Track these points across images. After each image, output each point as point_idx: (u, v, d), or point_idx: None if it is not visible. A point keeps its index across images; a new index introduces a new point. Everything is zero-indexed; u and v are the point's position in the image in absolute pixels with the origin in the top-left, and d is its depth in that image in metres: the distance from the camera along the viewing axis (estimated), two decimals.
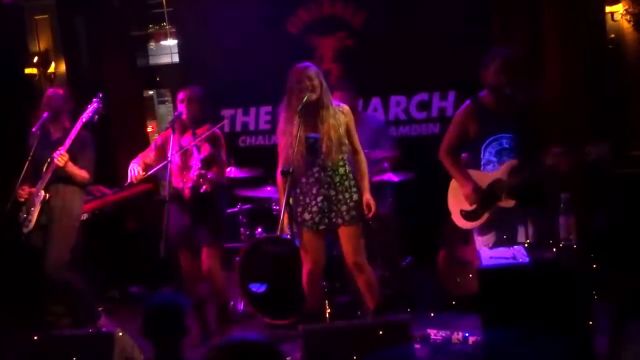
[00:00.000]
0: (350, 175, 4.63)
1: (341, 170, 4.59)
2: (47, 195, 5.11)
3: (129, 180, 4.94)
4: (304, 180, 4.60)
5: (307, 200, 4.61)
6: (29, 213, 5.16)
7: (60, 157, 4.97)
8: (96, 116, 5.10)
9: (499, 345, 2.22)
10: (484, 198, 4.56)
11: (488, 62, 4.55)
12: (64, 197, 5.20)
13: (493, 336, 2.44)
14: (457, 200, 4.71)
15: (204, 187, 4.84)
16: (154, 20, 8.23)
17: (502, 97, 4.54)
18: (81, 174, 5.15)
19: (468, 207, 4.65)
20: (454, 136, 4.71)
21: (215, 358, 2.16)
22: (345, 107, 4.68)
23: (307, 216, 4.61)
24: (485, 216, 4.58)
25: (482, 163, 4.61)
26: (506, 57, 4.55)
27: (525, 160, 4.48)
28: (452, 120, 4.78)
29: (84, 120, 5.06)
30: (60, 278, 5.14)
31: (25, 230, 5.17)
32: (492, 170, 4.58)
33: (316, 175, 4.58)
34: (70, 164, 5.05)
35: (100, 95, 5.16)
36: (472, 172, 4.64)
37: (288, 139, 4.53)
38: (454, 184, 4.75)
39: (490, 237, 4.59)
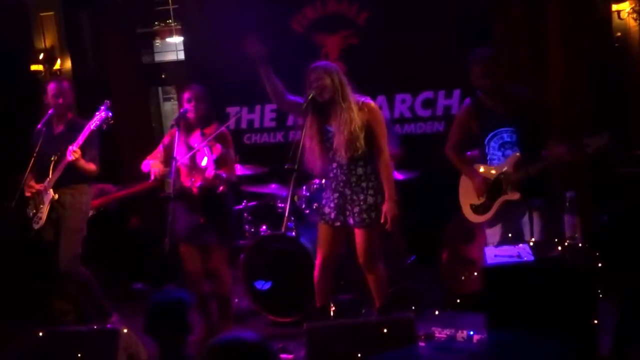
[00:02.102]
0: (372, 177, 4.51)
1: (360, 170, 4.51)
2: (56, 195, 5.17)
3: (152, 178, 4.93)
4: (330, 175, 4.62)
5: (329, 194, 4.64)
6: (38, 210, 5.22)
7: (74, 153, 5.02)
8: (104, 125, 5.11)
9: (503, 347, 2.21)
10: (491, 191, 4.65)
11: (470, 67, 4.64)
12: (73, 192, 5.26)
13: (497, 338, 2.43)
14: (467, 195, 4.81)
15: (221, 187, 4.91)
16: (159, 18, 8.23)
17: (495, 96, 4.62)
18: (89, 167, 5.20)
19: (477, 201, 4.74)
20: (457, 133, 4.83)
21: (207, 357, 2.17)
22: (370, 105, 4.52)
23: (326, 210, 4.64)
24: (493, 210, 4.66)
25: (487, 158, 4.70)
26: (484, 58, 4.63)
27: (527, 153, 4.53)
28: (455, 118, 4.90)
29: (92, 127, 5.07)
30: (73, 272, 5.23)
31: (35, 226, 5.25)
32: (497, 164, 4.65)
33: (334, 171, 4.57)
34: (81, 159, 5.09)
35: (108, 102, 5.14)
36: (480, 167, 4.74)
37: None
38: (464, 180, 4.84)
39: (496, 230, 4.68)
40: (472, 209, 4.79)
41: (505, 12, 6.22)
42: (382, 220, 4.48)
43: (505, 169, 4.59)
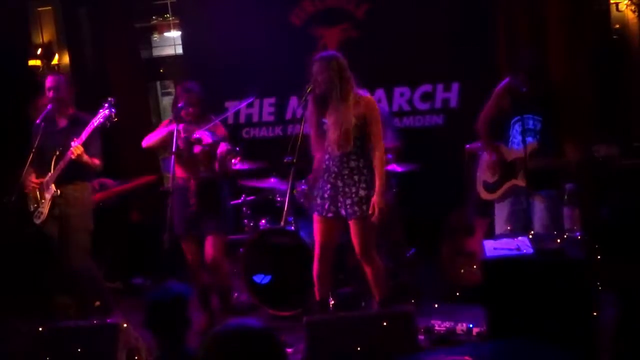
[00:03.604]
0: (365, 170, 4.53)
1: (352, 163, 4.53)
2: (59, 191, 5.14)
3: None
4: (323, 165, 4.64)
5: (321, 185, 4.66)
6: (39, 205, 5.20)
7: (76, 149, 5.00)
8: (108, 123, 5.09)
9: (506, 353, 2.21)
10: (505, 172, 4.81)
11: (516, 71, 4.76)
12: (75, 187, 5.24)
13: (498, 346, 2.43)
14: (484, 172, 4.98)
15: (236, 159, 5.16)
16: (157, 12, 8.21)
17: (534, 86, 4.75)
18: (93, 162, 5.18)
19: (490, 179, 4.93)
20: (490, 108, 4.95)
21: (212, 344, 2.16)
22: (367, 99, 4.54)
23: (318, 201, 4.67)
24: (502, 190, 4.84)
25: (509, 140, 4.84)
26: (532, 68, 4.73)
27: (545, 145, 4.66)
28: (492, 94, 4.98)
29: (95, 124, 5.06)
30: (85, 269, 5.21)
31: (37, 222, 5.22)
32: (517, 149, 4.75)
33: (327, 163, 4.60)
34: (85, 155, 5.08)
35: (112, 100, 5.11)
36: (500, 147, 4.90)
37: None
38: (485, 156, 5.00)
39: (505, 206, 4.84)
40: (484, 186, 4.97)
41: (505, 7, 6.21)
42: (369, 212, 4.49)
43: (520, 155, 4.68)
